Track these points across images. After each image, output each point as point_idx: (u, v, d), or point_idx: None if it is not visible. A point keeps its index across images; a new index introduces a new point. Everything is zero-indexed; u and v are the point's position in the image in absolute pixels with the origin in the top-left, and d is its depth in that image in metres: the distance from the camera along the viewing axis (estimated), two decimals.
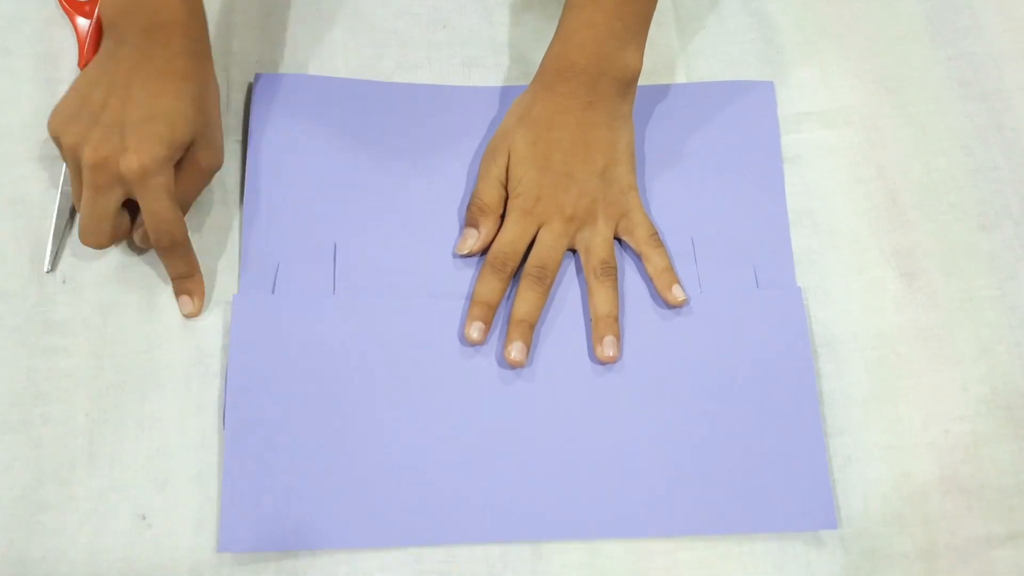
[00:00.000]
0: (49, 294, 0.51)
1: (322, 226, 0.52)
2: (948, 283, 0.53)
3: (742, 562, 0.47)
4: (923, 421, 0.50)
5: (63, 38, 0.56)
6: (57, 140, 0.49)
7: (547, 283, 0.50)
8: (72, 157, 0.48)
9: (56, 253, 0.51)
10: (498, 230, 0.51)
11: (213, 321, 0.51)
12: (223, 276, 0.51)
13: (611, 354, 0.49)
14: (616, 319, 0.50)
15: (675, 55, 0.58)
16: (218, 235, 0.52)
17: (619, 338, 0.50)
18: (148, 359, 0.50)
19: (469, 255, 0.51)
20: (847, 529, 0.48)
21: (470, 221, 0.52)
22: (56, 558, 0.46)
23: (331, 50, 0.57)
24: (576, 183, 0.50)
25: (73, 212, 0.52)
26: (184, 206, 0.50)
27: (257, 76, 0.55)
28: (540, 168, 0.50)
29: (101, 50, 0.50)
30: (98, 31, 0.56)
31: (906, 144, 0.56)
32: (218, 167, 0.51)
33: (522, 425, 0.49)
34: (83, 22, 0.56)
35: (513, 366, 0.49)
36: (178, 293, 0.50)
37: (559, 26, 0.51)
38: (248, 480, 0.47)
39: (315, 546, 0.46)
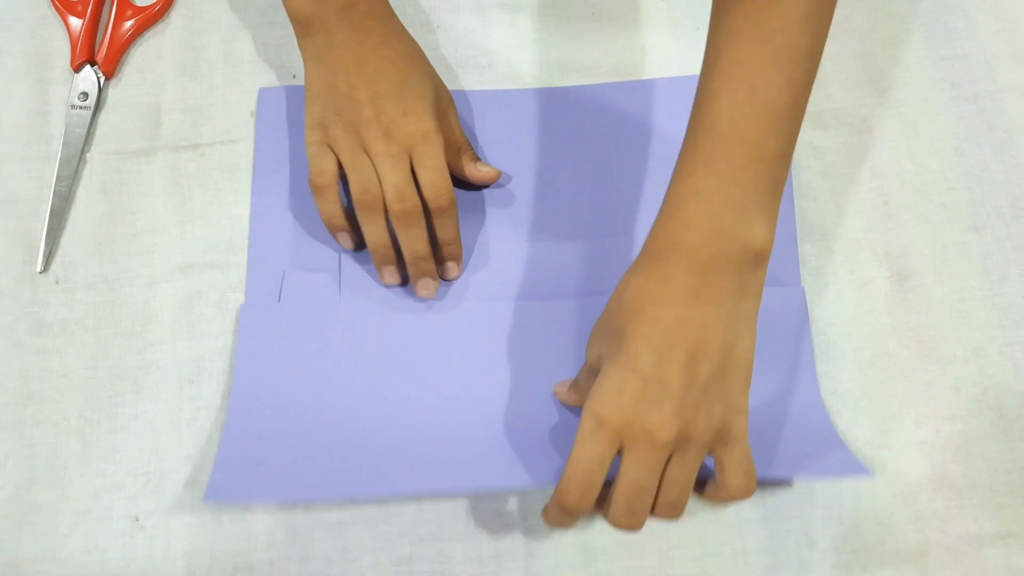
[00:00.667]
0: (42, 295, 0.51)
1: (327, 235, 0.52)
2: (940, 284, 0.53)
3: (734, 561, 0.47)
4: (914, 421, 0.50)
5: (55, 38, 0.56)
6: (327, 139, 0.49)
7: (641, 523, 0.41)
8: (349, 144, 0.48)
9: (49, 253, 0.51)
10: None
11: (209, 323, 0.50)
12: (225, 283, 0.51)
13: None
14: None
15: (669, 53, 0.58)
16: (225, 244, 0.52)
17: None
18: (142, 360, 0.50)
19: None
20: (838, 528, 0.48)
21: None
22: (48, 559, 0.46)
23: None
24: (670, 397, 0.39)
25: (63, 212, 0.52)
26: (457, 149, 0.52)
27: (261, 91, 0.55)
28: (623, 370, 0.39)
29: (308, 52, 0.49)
30: (92, 30, 0.56)
31: (898, 145, 0.56)
32: (454, 105, 0.53)
33: (522, 392, 0.49)
34: (75, 22, 0.56)
35: None
36: (446, 259, 0.51)
37: (665, 197, 0.41)
38: (244, 437, 0.47)
39: (303, 498, 0.46)
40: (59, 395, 0.49)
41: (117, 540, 0.47)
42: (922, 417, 0.50)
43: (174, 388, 0.49)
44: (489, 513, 0.48)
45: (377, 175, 0.48)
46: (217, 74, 0.56)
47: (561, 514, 0.41)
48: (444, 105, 0.52)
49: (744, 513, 0.48)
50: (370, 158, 0.48)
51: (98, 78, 0.55)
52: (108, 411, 0.49)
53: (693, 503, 0.43)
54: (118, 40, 0.56)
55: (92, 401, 0.49)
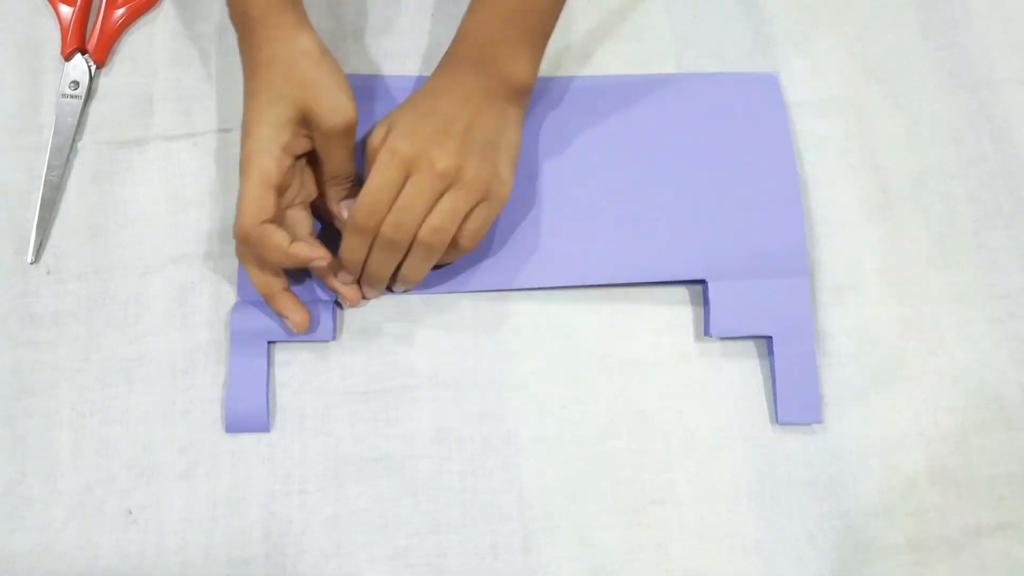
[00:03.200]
0: (33, 286, 0.50)
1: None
2: (938, 274, 0.53)
3: (732, 555, 0.47)
4: (913, 412, 0.50)
5: (45, 26, 0.55)
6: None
7: (405, 238, 0.46)
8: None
9: (40, 244, 0.51)
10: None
11: (202, 314, 0.50)
12: (219, 274, 0.51)
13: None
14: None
15: (666, 45, 0.58)
16: (218, 235, 0.52)
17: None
18: (134, 352, 0.49)
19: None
20: (837, 522, 0.48)
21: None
22: (40, 552, 0.46)
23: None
24: (453, 140, 0.46)
25: (54, 202, 0.51)
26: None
27: None
28: (419, 115, 0.47)
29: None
30: (82, 19, 0.55)
31: (897, 135, 0.56)
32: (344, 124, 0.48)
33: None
34: (66, 10, 0.55)
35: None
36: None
37: (460, 25, 0.50)
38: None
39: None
40: (51, 387, 0.48)
41: (110, 534, 0.46)
42: (920, 409, 0.50)
43: (167, 380, 0.49)
44: (486, 505, 0.47)
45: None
46: (210, 63, 0.55)
47: (354, 234, 0.47)
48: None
49: (743, 508, 0.48)
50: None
51: (89, 67, 0.54)
52: (101, 403, 0.48)
53: (692, 494, 0.43)
54: (109, 28, 0.55)
55: (84, 393, 0.48)
